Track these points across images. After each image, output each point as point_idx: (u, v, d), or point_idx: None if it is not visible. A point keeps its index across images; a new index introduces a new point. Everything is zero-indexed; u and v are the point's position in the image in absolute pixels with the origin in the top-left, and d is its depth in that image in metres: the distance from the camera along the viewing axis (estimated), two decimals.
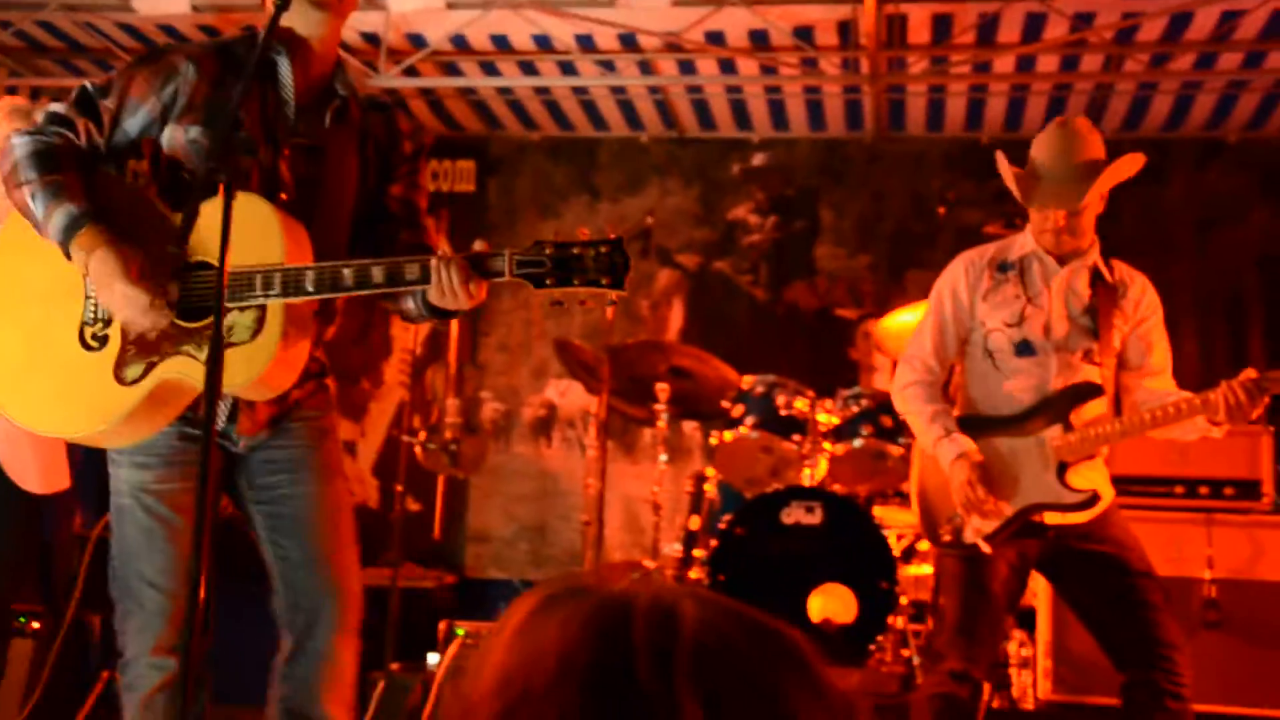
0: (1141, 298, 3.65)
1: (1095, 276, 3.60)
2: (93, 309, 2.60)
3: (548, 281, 2.38)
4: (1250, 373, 3.32)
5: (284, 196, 2.65)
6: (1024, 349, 3.54)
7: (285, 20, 2.65)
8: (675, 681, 0.87)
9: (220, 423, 2.63)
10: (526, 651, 0.92)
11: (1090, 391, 3.51)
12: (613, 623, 0.91)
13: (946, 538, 3.52)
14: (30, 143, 2.57)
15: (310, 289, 2.48)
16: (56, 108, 2.64)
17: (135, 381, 2.53)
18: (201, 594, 2.29)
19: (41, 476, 3.90)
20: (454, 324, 6.86)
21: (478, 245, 2.48)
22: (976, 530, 3.45)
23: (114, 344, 2.57)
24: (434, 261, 2.44)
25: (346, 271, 2.48)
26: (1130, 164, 3.50)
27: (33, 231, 2.57)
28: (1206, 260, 7.31)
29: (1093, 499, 3.46)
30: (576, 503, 7.41)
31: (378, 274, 2.48)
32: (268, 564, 2.75)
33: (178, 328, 2.53)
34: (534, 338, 7.81)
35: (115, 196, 2.62)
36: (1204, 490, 4.81)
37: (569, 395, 7.68)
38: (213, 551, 2.67)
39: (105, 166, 2.67)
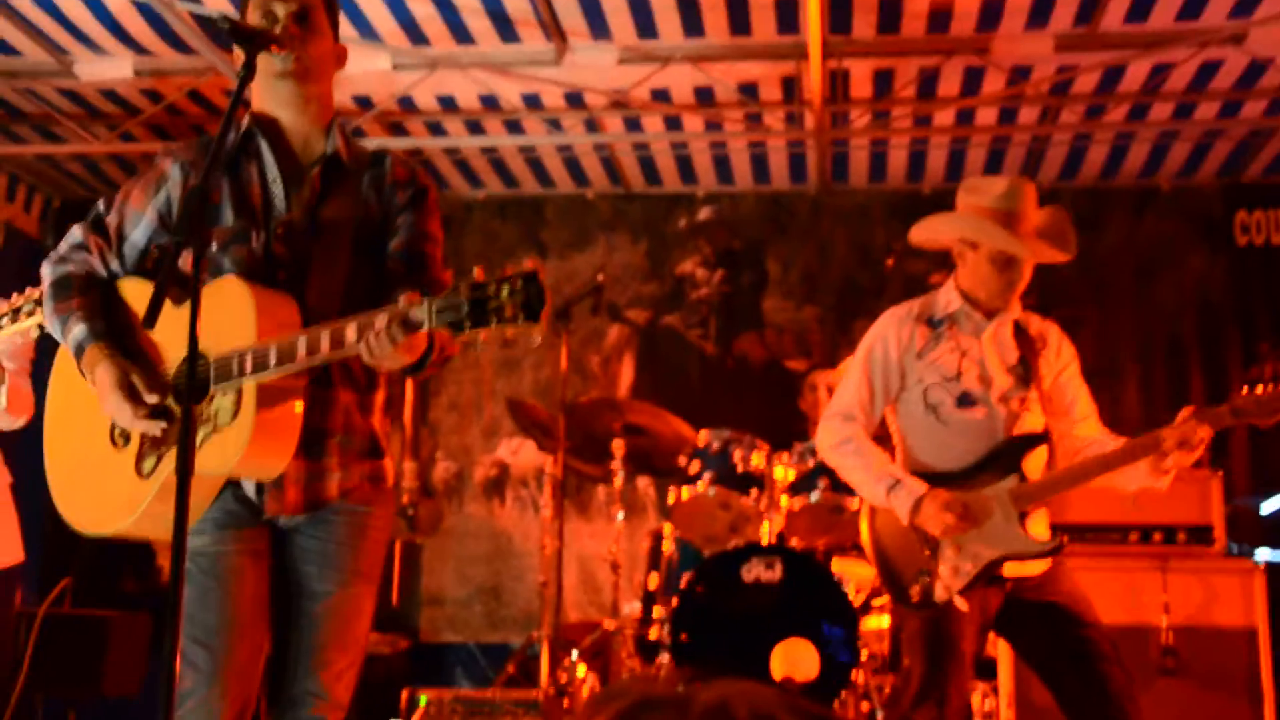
0: (1060, 347, 3.74)
1: (1018, 329, 3.67)
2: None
3: (465, 325, 2.26)
4: (1189, 410, 3.37)
5: (282, 276, 2.67)
6: (965, 401, 3.59)
7: (259, 103, 2.71)
8: None
9: (257, 504, 2.69)
10: None
11: (1037, 439, 3.57)
12: None
13: (916, 599, 3.50)
14: (52, 272, 2.78)
15: (272, 363, 2.47)
16: (75, 232, 2.80)
17: (151, 473, 2.63)
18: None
19: None
20: (409, 387, 6.81)
21: (402, 300, 2.36)
22: (947, 588, 3.45)
23: (135, 439, 2.68)
24: (351, 330, 2.39)
25: (301, 340, 2.46)
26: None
27: None
28: (1146, 306, 7.46)
29: (1059, 546, 3.49)
30: (531, 563, 7.37)
31: (324, 341, 2.44)
32: (271, 639, 2.75)
33: (178, 417, 2.55)
34: (484, 396, 7.78)
35: (128, 311, 2.76)
36: (1158, 537, 4.88)
37: (521, 454, 7.65)
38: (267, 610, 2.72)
39: (125, 280, 2.80)
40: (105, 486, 2.71)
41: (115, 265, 2.79)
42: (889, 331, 3.68)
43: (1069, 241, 3.62)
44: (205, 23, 5.82)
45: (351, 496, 2.73)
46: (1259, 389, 3.28)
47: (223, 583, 2.62)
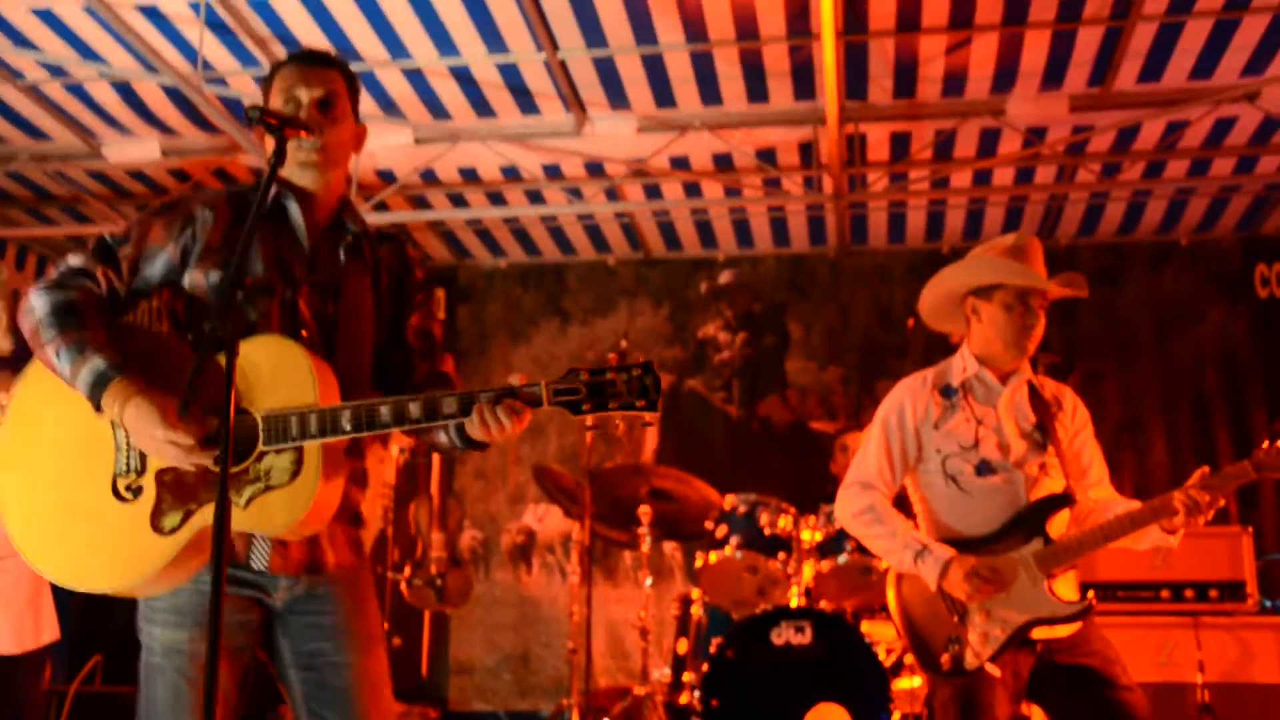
0: (1075, 410, 3.73)
1: (1032, 392, 3.68)
2: (125, 460, 2.58)
3: (584, 407, 2.48)
4: (1201, 472, 3.35)
5: (304, 334, 2.68)
6: (984, 469, 3.58)
7: (284, 173, 2.73)
8: None
9: (260, 565, 2.62)
10: None
11: (1062, 502, 3.55)
12: None
13: (947, 667, 3.47)
14: (50, 298, 2.59)
15: (348, 427, 2.48)
16: (74, 260, 2.65)
17: (173, 531, 2.53)
18: None
19: (13, 636, 3.86)
20: (435, 458, 6.83)
21: (514, 379, 2.54)
22: (977, 655, 3.43)
23: (149, 494, 2.56)
24: (481, 402, 2.49)
25: (384, 409, 2.49)
26: None
27: (56, 381, 2.58)
28: (1168, 360, 7.46)
29: (1088, 608, 3.47)
30: (560, 629, 7.36)
31: (415, 410, 2.50)
32: None
33: (212, 474, 2.51)
34: (510, 464, 7.81)
35: (138, 343, 2.64)
36: (1189, 594, 4.85)
37: (547, 520, 7.67)
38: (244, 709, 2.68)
39: (125, 314, 2.69)
40: (107, 541, 2.57)
41: (122, 297, 2.66)
42: (904, 401, 3.68)
43: (1081, 283, 3.64)
44: (231, 104, 5.94)
45: (343, 568, 2.74)
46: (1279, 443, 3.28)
47: (196, 686, 2.57)
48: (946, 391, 3.65)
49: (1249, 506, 6.98)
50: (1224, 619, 4.78)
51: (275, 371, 2.50)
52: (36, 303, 2.60)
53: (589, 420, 2.49)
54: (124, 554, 2.55)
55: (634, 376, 2.48)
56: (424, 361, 2.84)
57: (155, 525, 2.54)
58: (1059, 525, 3.54)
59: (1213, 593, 4.83)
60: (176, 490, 2.55)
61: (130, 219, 2.75)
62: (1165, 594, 4.87)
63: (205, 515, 2.52)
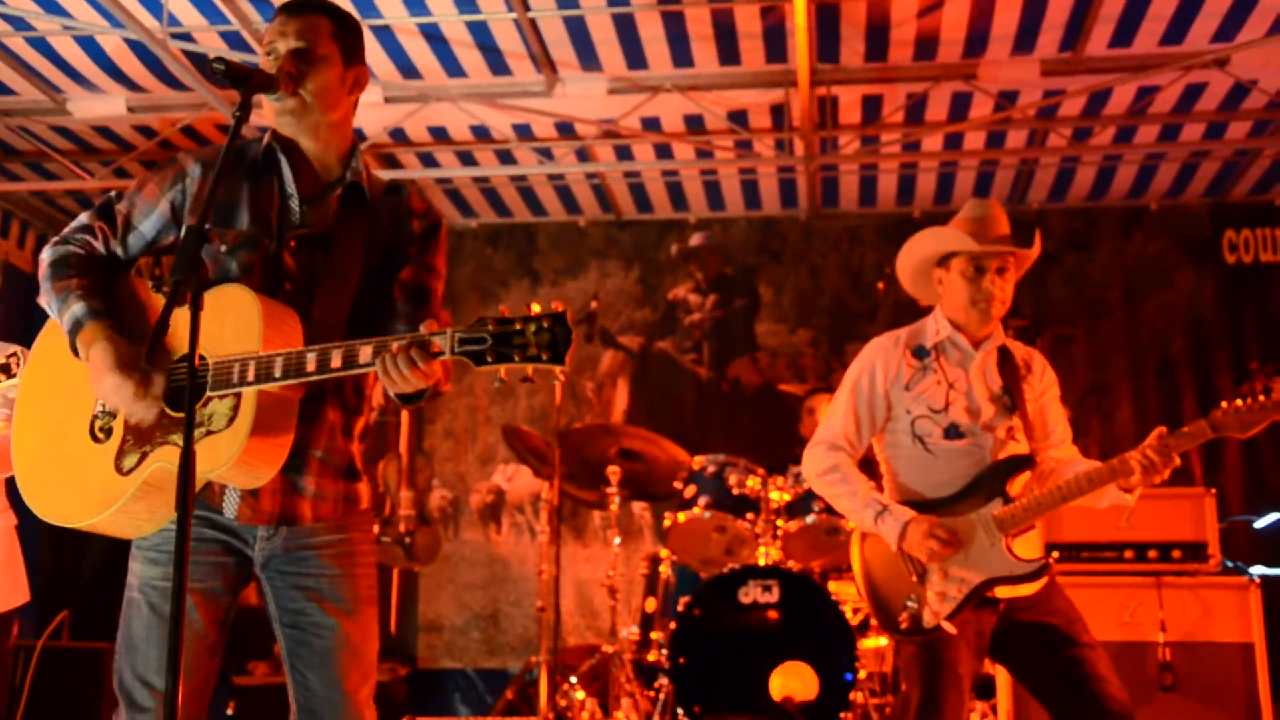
0: (1043, 374, 3.78)
1: (1002, 355, 3.71)
2: (102, 402, 2.68)
3: (488, 359, 2.33)
4: (1159, 432, 3.39)
5: (288, 286, 2.69)
6: (952, 432, 3.61)
7: (276, 128, 2.74)
8: None
9: (230, 514, 2.66)
10: None
11: (1023, 463, 3.60)
12: None
13: (905, 625, 3.52)
14: (53, 253, 2.76)
15: (278, 375, 2.49)
16: (82, 216, 2.81)
17: (131, 471, 2.60)
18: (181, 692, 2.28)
19: None
20: (405, 416, 6.83)
21: (424, 326, 2.43)
22: (935, 614, 3.47)
23: (117, 435, 2.64)
24: (366, 350, 2.45)
25: (310, 356, 2.48)
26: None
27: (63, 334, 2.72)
28: (1136, 324, 7.52)
29: (1045, 567, 3.52)
30: (528, 588, 7.39)
31: (336, 358, 2.47)
32: (288, 681, 2.74)
33: (168, 418, 2.58)
34: (480, 424, 7.81)
35: (128, 298, 2.75)
36: (1153, 554, 4.90)
37: (516, 480, 7.68)
38: (225, 648, 2.72)
39: (126, 269, 2.79)
40: (80, 479, 2.66)
41: (117, 249, 2.77)
42: (875, 362, 3.71)
43: (1033, 239, 3.68)
44: (199, 60, 5.86)
45: (327, 523, 2.73)
46: (1237, 403, 3.32)
47: (167, 620, 2.53)
48: (919, 352, 3.69)
49: (1213, 468, 7.06)
50: (1186, 579, 4.83)
51: (227, 320, 2.53)
52: (44, 256, 2.76)
53: (499, 372, 2.34)
54: (92, 491, 2.65)
55: (543, 327, 2.32)
56: (405, 320, 2.77)
57: (117, 465, 2.63)
58: (1019, 486, 3.58)
59: (1176, 553, 4.88)
60: (137, 433, 2.62)
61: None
62: (1129, 554, 4.92)
63: (159, 457, 2.58)
